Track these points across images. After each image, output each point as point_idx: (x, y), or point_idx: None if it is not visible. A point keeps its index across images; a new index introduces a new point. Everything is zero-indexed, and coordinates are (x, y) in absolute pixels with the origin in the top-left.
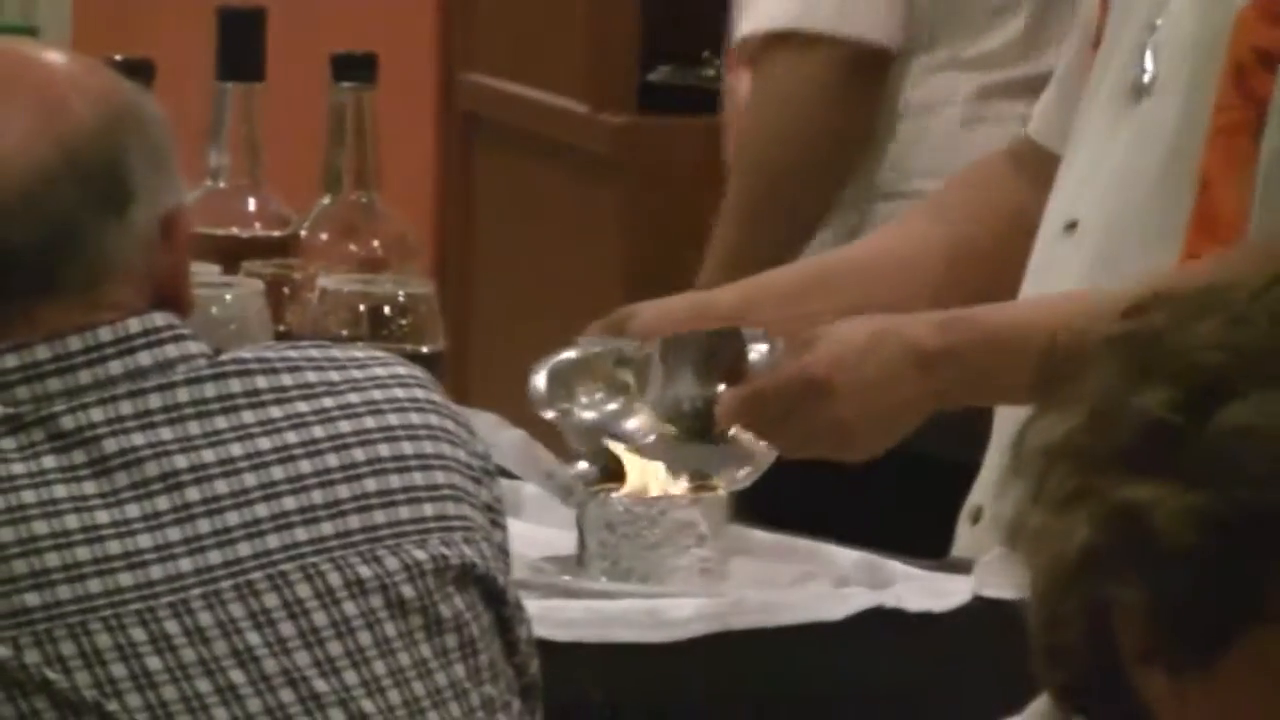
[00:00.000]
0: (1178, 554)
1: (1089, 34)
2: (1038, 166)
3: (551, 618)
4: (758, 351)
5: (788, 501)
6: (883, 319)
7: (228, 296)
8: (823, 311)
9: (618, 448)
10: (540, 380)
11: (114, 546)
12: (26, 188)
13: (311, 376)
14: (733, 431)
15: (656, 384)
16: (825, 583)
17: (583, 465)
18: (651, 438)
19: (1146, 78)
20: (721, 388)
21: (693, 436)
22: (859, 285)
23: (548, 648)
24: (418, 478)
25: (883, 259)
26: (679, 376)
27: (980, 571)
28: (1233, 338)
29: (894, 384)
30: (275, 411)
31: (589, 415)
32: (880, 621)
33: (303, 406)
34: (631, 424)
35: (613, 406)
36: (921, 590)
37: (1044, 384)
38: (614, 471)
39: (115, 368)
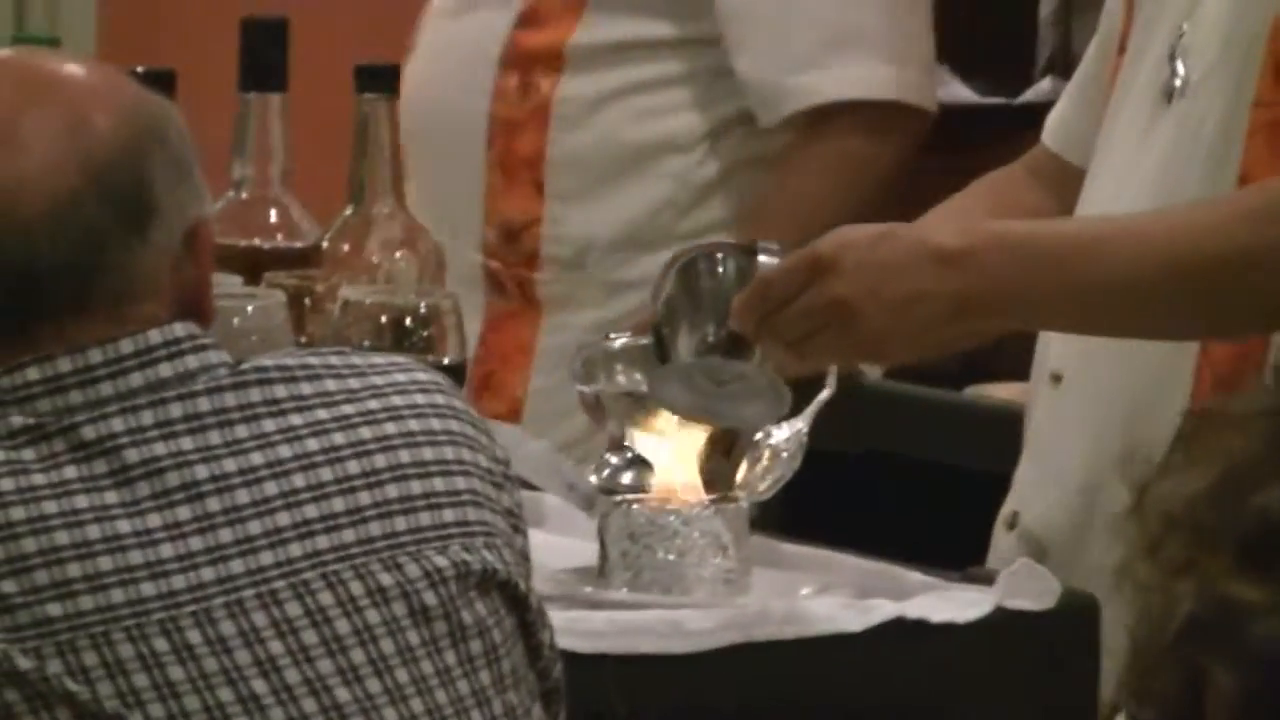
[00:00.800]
0: (1274, 663)
1: (1113, 41)
2: (1055, 176)
3: (574, 629)
4: (769, 255)
5: (813, 512)
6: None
7: (250, 308)
8: None
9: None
10: (578, 362)
11: (136, 556)
12: (53, 208)
13: (331, 384)
14: (753, 361)
15: (674, 306)
16: (848, 593)
17: (612, 458)
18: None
19: (1178, 81)
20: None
21: (714, 353)
22: None
23: (571, 659)
24: (438, 483)
25: None
26: (697, 294)
27: (1004, 583)
28: None
29: (906, 271)
30: (296, 419)
31: (623, 386)
32: (903, 632)
33: (323, 414)
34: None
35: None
36: (944, 601)
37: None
38: (642, 467)
39: (136, 379)
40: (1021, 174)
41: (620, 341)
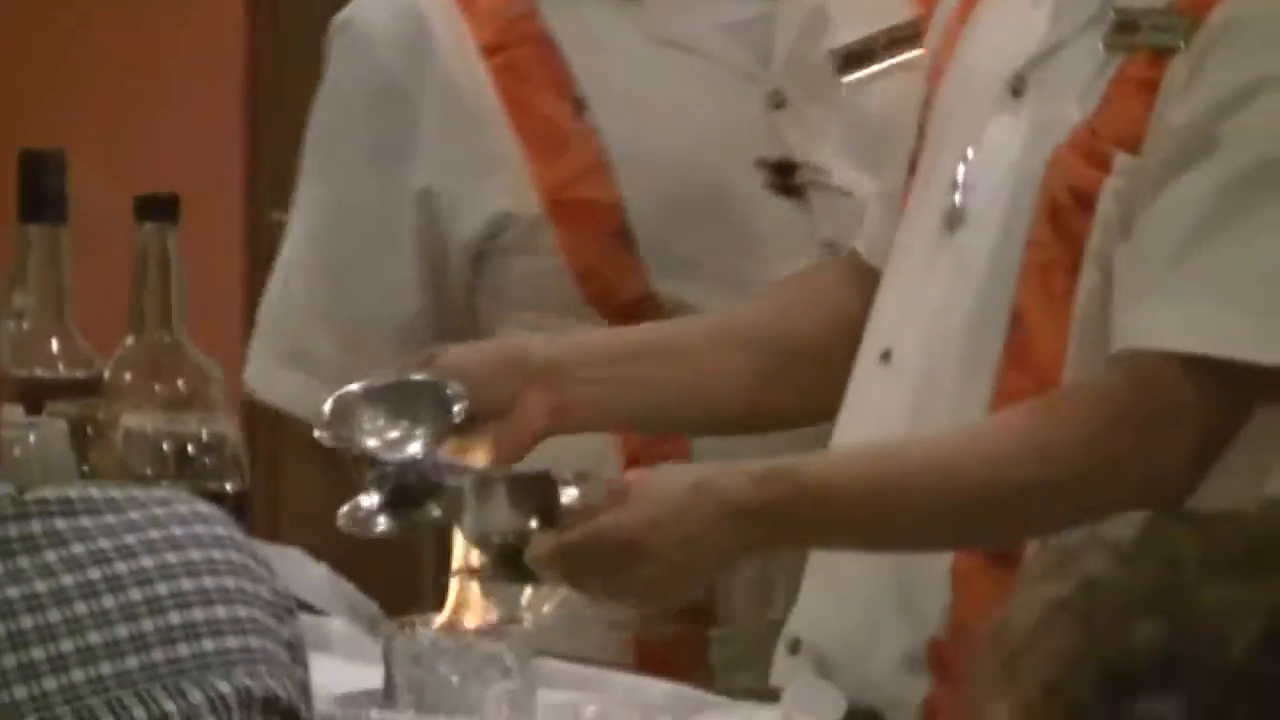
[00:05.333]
0: None
1: (905, 158)
2: (864, 282)
3: None
4: (569, 496)
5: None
6: (700, 469)
7: (31, 437)
8: (634, 379)
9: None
10: (326, 408)
11: None
12: None
13: (111, 518)
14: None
15: (470, 515)
16: (635, 715)
17: (362, 500)
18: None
19: (959, 203)
20: (534, 524)
21: (503, 565)
22: (675, 363)
23: None
24: (220, 611)
25: (709, 339)
26: (491, 508)
27: (788, 699)
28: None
29: (704, 541)
30: (78, 549)
31: (370, 442)
32: None
33: (105, 543)
34: (412, 449)
35: (394, 434)
36: None
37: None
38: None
39: None
40: (836, 270)
41: (368, 383)
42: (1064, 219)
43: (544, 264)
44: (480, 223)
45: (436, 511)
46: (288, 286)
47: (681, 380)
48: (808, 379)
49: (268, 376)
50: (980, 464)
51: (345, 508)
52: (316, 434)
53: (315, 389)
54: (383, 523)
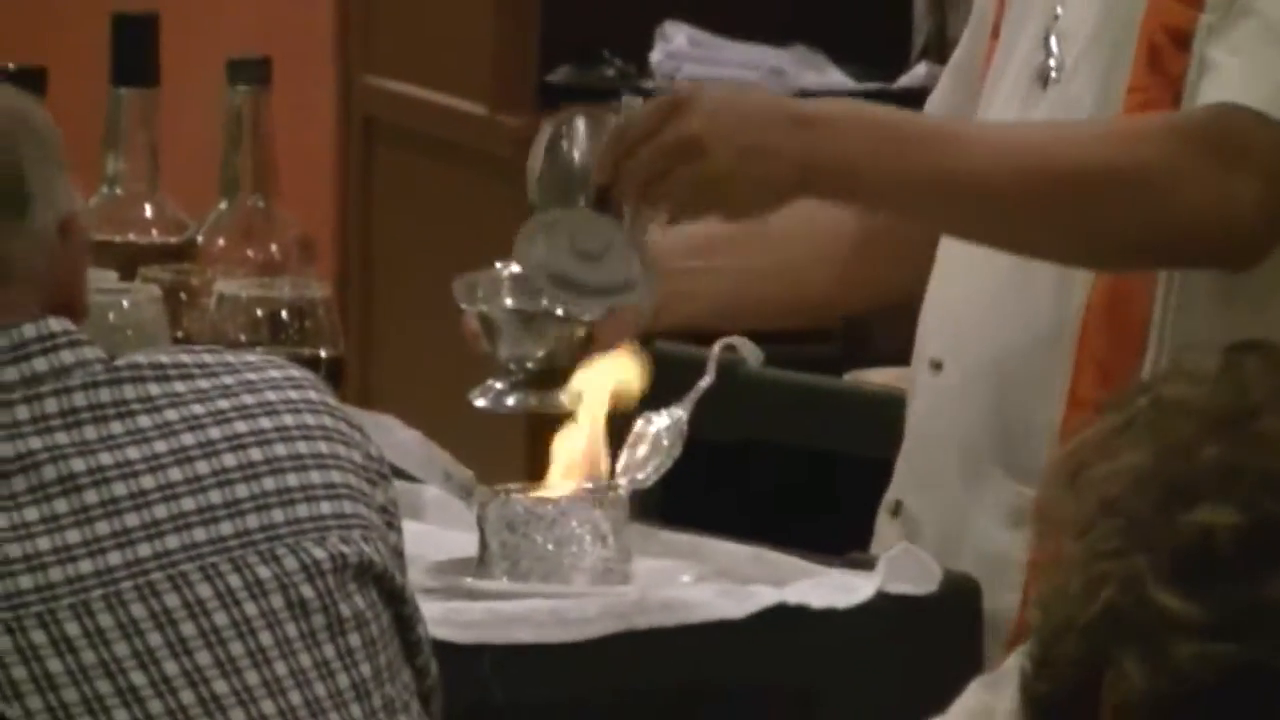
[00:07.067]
0: (1188, 682)
1: (987, 24)
2: None
3: (453, 619)
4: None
5: (693, 500)
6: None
7: (125, 303)
8: (725, 269)
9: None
10: (461, 285)
11: (13, 550)
12: None
13: (204, 382)
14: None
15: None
16: (727, 580)
17: (496, 383)
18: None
19: (1053, 65)
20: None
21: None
22: (766, 250)
23: (450, 649)
24: (315, 476)
25: (794, 226)
26: (566, 165)
27: (885, 567)
28: None
29: (761, 123)
30: (171, 414)
31: (508, 302)
32: (784, 618)
33: (198, 409)
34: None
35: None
36: (825, 587)
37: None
38: (542, 375)
39: (10, 373)
40: None
41: (508, 270)
42: (1161, 60)
43: None
44: None
45: (563, 398)
46: None
47: (779, 264)
48: (898, 259)
49: None
50: (1057, 142)
51: (477, 387)
52: (455, 291)
53: None
54: (513, 400)
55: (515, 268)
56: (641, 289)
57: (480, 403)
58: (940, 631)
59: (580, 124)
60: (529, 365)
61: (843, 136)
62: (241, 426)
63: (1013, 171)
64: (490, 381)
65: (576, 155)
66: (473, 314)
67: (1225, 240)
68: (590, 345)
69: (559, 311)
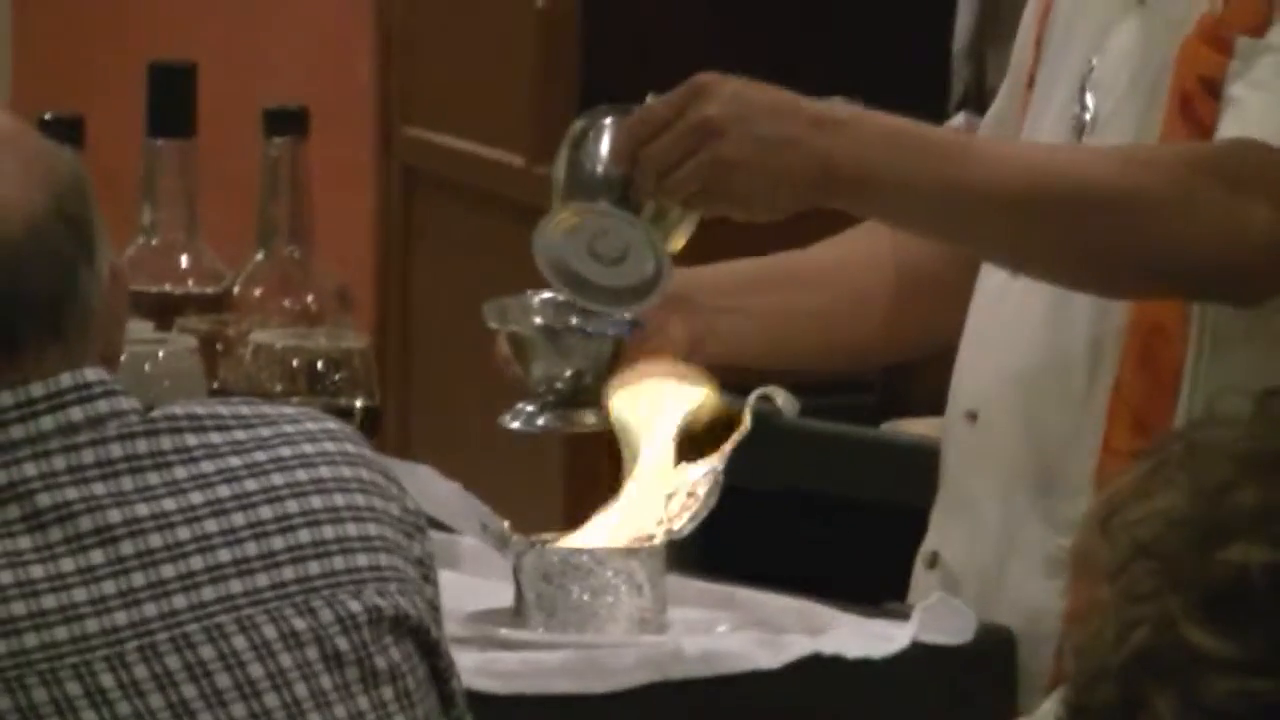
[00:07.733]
0: (1227, 716)
1: (1022, 76)
2: None
3: (490, 669)
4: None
5: (729, 550)
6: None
7: (161, 353)
8: (758, 309)
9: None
10: (492, 307)
11: (49, 601)
12: (32, 229)
13: (241, 434)
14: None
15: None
16: (763, 630)
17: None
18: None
19: (1088, 115)
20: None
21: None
22: (809, 291)
23: (486, 700)
24: (351, 529)
25: (828, 269)
26: (588, 164)
27: (920, 617)
28: None
29: (781, 117)
30: (207, 466)
31: (537, 320)
32: (819, 668)
33: (235, 460)
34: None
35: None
36: (861, 637)
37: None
38: (572, 395)
39: (47, 423)
40: None
41: (539, 296)
42: (1193, 108)
43: None
44: None
45: (593, 417)
46: None
47: (816, 308)
48: (933, 305)
49: None
50: (1070, 162)
51: (508, 411)
52: (486, 313)
53: None
54: (544, 420)
55: (547, 294)
56: (657, 294)
57: (512, 425)
58: (976, 682)
59: (607, 123)
60: (558, 385)
61: (862, 141)
62: (278, 479)
63: (1022, 186)
64: (520, 404)
65: (602, 153)
66: (503, 336)
67: (1236, 267)
68: (618, 363)
69: (589, 329)
